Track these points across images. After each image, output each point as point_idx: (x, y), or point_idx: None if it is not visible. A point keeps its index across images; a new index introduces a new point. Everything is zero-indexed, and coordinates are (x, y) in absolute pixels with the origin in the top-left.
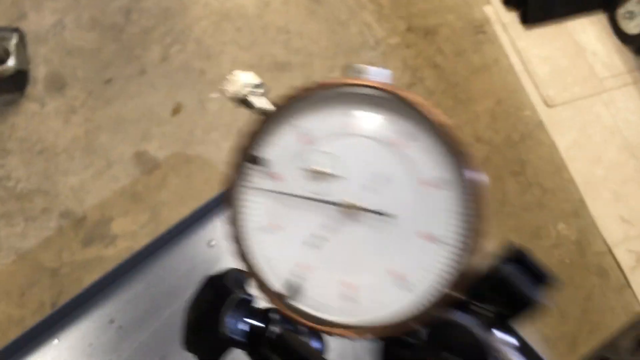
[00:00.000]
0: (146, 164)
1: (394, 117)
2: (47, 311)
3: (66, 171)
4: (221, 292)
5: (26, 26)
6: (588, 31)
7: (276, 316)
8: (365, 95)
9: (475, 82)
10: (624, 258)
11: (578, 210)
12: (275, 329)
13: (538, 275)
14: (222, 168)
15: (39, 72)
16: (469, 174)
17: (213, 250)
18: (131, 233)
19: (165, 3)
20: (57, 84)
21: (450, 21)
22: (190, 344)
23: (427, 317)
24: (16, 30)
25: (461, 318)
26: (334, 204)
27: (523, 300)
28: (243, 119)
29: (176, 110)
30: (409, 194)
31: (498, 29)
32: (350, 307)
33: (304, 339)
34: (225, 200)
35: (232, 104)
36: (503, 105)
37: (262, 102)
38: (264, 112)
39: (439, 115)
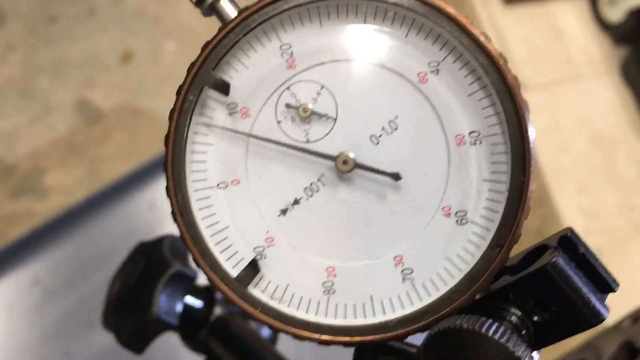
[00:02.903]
0: (88, 113)
1: (418, 37)
2: None
3: None
4: (155, 263)
5: None
6: (569, 15)
7: (221, 296)
8: (379, 3)
9: None
10: None
11: (541, 199)
12: (219, 311)
13: (601, 278)
14: None
15: None
16: (522, 121)
17: (155, 213)
18: (66, 188)
19: None
20: None
21: None
22: (110, 322)
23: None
24: None
25: (487, 328)
26: (324, 157)
27: (583, 311)
28: None
29: (126, 58)
30: (436, 150)
31: (477, 2)
32: (336, 303)
33: (253, 325)
34: (168, 141)
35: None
36: None
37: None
38: (224, 18)
39: (480, 33)
